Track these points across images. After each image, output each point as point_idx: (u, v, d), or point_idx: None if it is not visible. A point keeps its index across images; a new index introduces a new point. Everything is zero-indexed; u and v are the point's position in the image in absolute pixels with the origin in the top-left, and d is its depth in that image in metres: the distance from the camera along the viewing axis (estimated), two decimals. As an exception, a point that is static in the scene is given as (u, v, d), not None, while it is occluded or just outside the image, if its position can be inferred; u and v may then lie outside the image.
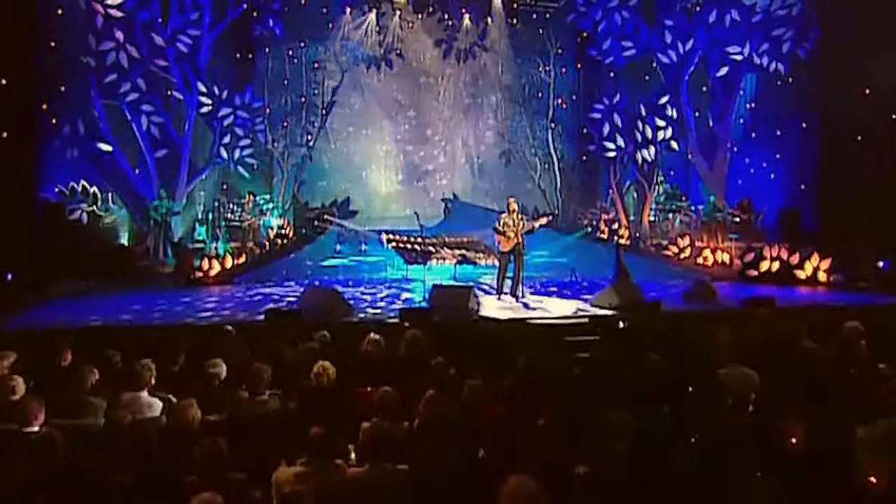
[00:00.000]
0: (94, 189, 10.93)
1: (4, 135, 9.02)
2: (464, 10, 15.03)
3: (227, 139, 12.42)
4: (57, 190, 10.51)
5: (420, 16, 15.06)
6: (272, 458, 3.25)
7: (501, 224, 8.64)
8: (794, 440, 3.28)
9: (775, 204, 12.20)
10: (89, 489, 2.88)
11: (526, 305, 8.44)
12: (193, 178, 12.36)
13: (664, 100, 13.04)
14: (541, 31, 15.10)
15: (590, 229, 14.01)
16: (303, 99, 14.53)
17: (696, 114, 13.14)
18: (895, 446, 2.75)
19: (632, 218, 14.11)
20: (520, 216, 8.74)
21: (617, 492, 2.87)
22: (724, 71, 12.58)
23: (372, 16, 14.70)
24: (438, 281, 9.28)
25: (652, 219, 13.83)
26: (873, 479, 3.00)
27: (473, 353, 4.93)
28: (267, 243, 12.39)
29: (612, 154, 13.72)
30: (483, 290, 9.23)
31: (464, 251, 10.67)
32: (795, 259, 10.28)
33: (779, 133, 12.34)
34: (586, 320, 7.45)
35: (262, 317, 7.27)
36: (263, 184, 13.83)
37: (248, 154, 12.67)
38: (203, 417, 3.60)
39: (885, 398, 3.86)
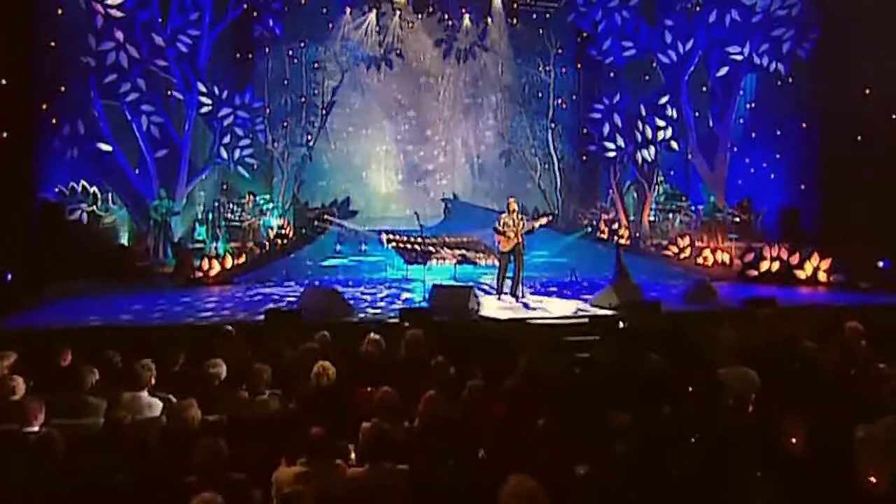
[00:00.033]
0: (93, 189, 10.92)
1: (4, 135, 9.00)
2: (464, 10, 15.03)
3: (227, 139, 12.41)
4: (57, 190, 10.49)
5: (420, 16, 15.07)
6: (272, 458, 3.25)
7: (501, 224, 8.64)
8: (794, 440, 3.27)
9: (775, 204, 12.19)
10: (89, 489, 2.87)
11: (526, 305, 8.43)
12: (193, 178, 12.35)
13: (664, 100, 13.03)
14: (541, 31, 15.11)
15: (590, 229, 14.01)
16: (303, 99, 14.53)
17: (696, 114, 13.13)
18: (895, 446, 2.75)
19: (632, 218, 14.10)
20: (520, 216, 8.74)
21: (618, 492, 2.86)
22: (724, 71, 12.57)
23: (372, 16, 14.70)
24: (438, 281, 9.28)
25: (652, 219, 13.82)
26: (873, 479, 3.00)
27: (474, 353, 4.93)
28: (267, 243, 12.38)
29: (612, 154, 13.72)
30: (483, 290, 9.22)
31: (464, 251, 10.66)
32: (795, 259, 10.27)
33: (779, 133, 12.33)
34: (586, 320, 7.44)
35: (262, 317, 7.27)
36: (263, 184, 13.83)
37: (248, 154, 12.66)
38: (203, 417, 3.60)
39: (886, 398, 3.86)
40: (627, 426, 3.22)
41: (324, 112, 14.64)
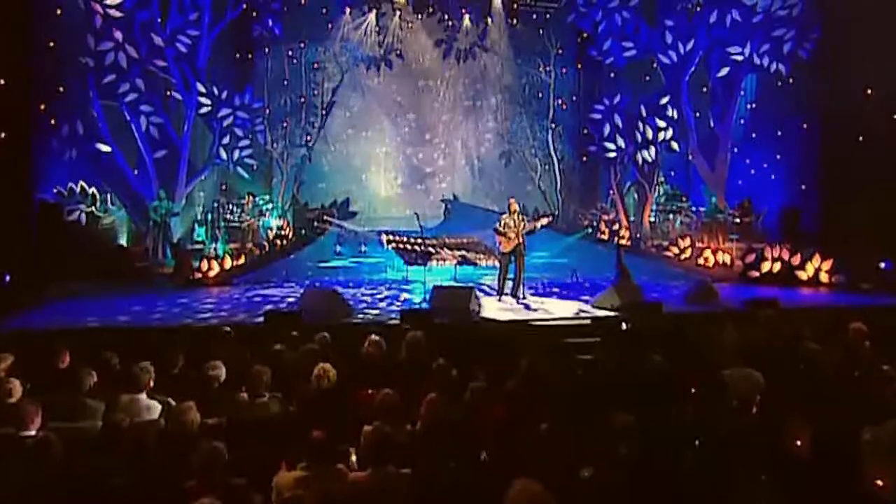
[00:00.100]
0: (92, 190, 10.88)
1: (3, 135, 8.98)
2: (464, 11, 15.02)
3: (226, 140, 12.37)
4: (55, 190, 10.46)
5: (420, 16, 15.05)
6: (272, 461, 3.22)
7: (502, 225, 8.61)
8: (799, 442, 3.24)
9: (776, 204, 12.17)
10: (87, 493, 2.84)
11: (527, 306, 8.41)
12: (193, 178, 12.32)
13: (665, 100, 13.01)
14: (541, 32, 15.10)
15: (590, 230, 13.99)
16: (302, 99, 14.51)
17: (697, 114, 13.10)
18: (903, 449, 2.72)
19: (632, 219, 14.08)
20: (521, 217, 8.71)
21: (623, 495, 2.84)
22: (724, 71, 12.55)
23: (372, 16, 14.68)
24: (439, 282, 9.25)
25: (652, 220, 13.80)
26: (880, 483, 2.97)
27: (475, 355, 4.90)
28: (266, 244, 12.36)
29: (612, 155, 13.69)
30: (483, 291, 9.19)
31: (464, 252, 10.63)
32: (797, 260, 10.25)
33: (779, 133, 12.31)
34: (588, 321, 7.41)
35: (261, 318, 7.23)
36: (263, 184, 13.81)
37: (247, 155, 12.62)
38: (202, 420, 3.57)
39: (890, 400, 3.84)
40: (630, 428, 3.19)
41: (323, 113, 14.62)
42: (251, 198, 12.84)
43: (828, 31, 11.35)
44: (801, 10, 11.77)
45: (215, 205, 12.80)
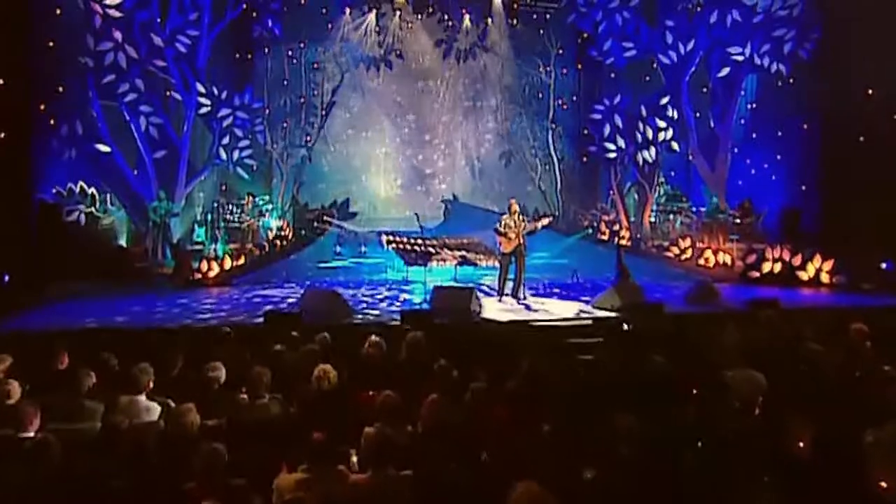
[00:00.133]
0: (92, 190, 10.86)
1: (2, 135, 8.96)
2: (464, 11, 15.01)
3: (226, 140, 12.35)
4: (55, 191, 10.44)
5: (420, 16, 15.04)
6: (273, 463, 3.20)
7: (503, 225, 8.60)
8: (801, 444, 3.23)
9: (776, 205, 12.16)
10: (86, 495, 2.82)
11: (527, 307, 8.39)
12: (192, 179, 12.30)
13: (665, 100, 13.00)
14: (541, 32, 15.08)
15: (590, 230, 13.97)
16: (302, 100, 14.49)
17: (697, 115, 13.09)
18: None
19: (632, 219, 14.06)
20: (521, 217, 8.70)
21: (625, 496, 2.82)
22: (725, 71, 12.54)
23: (371, 16, 14.66)
24: (439, 282, 9.23)
25: (653, 220, 13.79)
26: (884, 485, 2.95)
27: (476, 355, 4.89)
28: (266, 245, 12.34)
29: (612, 155, 13.68)
30: (483, 292, 9.17)
31: (464, 252, 10.61)
32: (798, 260, 10.24)
33: (780, 134, 12.29)
34: (589, 322, 7.40)
35: (261, 319, 7.21)
36: (263, 185, 13.79)
37: (247, 155, 12.60)
38: (202, 422, 3.55)
39: (892, 400, 3.82)
40: (632, 429, 3.18)
41: (323, 113, 14.60)
42: (251, 198, 12.82)
43: (828, 31, 11.34)
44: (802, 11, 11.75)
45: (215, 205, 12.78)
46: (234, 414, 3.86)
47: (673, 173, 14.05)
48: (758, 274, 10.41)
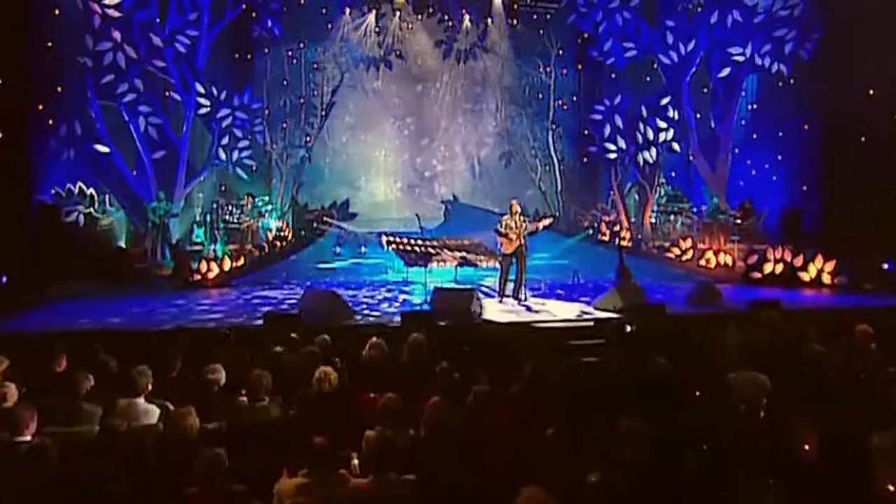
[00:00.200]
0: (90, 191, 10.83)
1: (0, 136, 8.92)
2: (464, 11, 14.97)
3: (225, 140, 12.31)
4: (53, 191, 10.40)
5: (420, 16, 15.00)
6: (273, 467, 3.16)
7: (504, 226, 8.57)
8: (807, 446, 3.20)
9: (777, 205, 12.14)
10: (84, 499, 2.79)
11: (528, 308, 8.36)
12: (192, 179, 12.26)
13: (665, 101, 12.96)
14: (541, 32, 15.05)
15: (591, 231, 13.94)
16: (302, 100, 14.45)
17: (698, 115, 13.07)
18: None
19: (633, 220, 14.04)
20: (522, 218, 8.67)
21: (630, 499, 2.79)
22: (725, 72, 12.51)
23: (371, 16, 14.63)
24: (440, 283, 9.20)
25: (653, 221, 13.76)
26: (891, 488, 2.93)
27: (477, 357, 4.86)
28: (266, 245, 12.30)
29: (613, 155, 13.65)
30: (484, 293, 9.14)
31: (465, 253, 10.59)
32: (799, 261, 10.21)
33: (780, 134, 12.27)
34: (591, 323, 7.37)
35: (261, 320, 7.18)
36: (262, 185, 13.74)
37: (246, 155, 12.56)
38: (201, 425, 3.52)
39: (899, 402, 3.79)
40: (637, 432, 3.15)
41: (323, 113, 14.56)
42: (250, 199, 12.78)
43: (829, 31, 11.32)
44: (803, 11, 11.74)
45: (214, 206, 12.74)
46: (233, 417, 3.83)
47: (673, 174, 14.02)
48: (759, 275, 10.38)
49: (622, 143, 13.47)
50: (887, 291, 8.96)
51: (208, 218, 12.56)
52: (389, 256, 11.27)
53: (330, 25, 14.43)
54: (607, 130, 13.55)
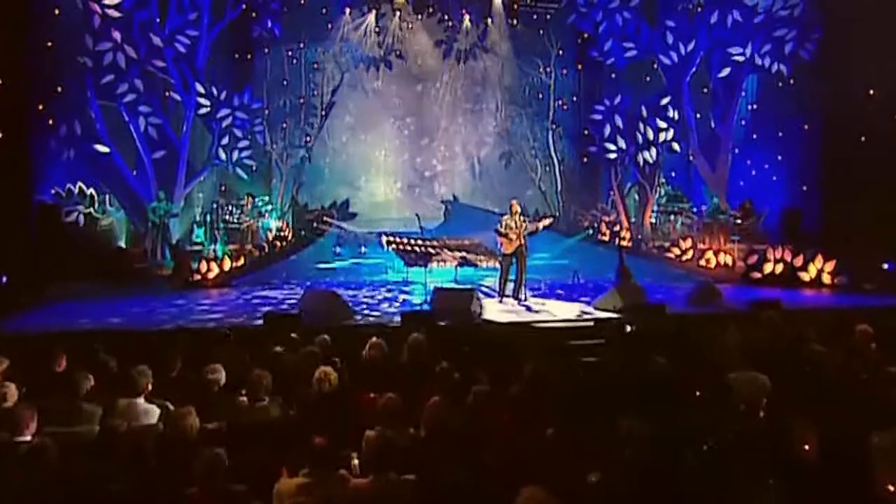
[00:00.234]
0: (90, 191, 10.83)
1: (0, 135, 8.92)
2: (464, 11, 14.97)
3: (225, 140, 12.31)
4: (53, 191, 10.40)
5: (420, 16, 15.00)
6: (273, 467, 3.16)
7: (504, 226, 8.57)
8: (807, 446, 3.20)
9: (777, 205, 12.14)
10: (84, 500, 2.79)
11: (528, 308, 8.36)
12: (192, 179, 12.26)
13: (665, 101, 12.97)
14: (541, 33, 15.04)
15: (591, 231, 13.94)
16: (302, 100, 14.45)
17: (698, 115, 13.07)
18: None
19: (633, 220, 14.04)
20: (522, 218, 8.68)
21: (630, 500, 2.79)
22: (725, 72, 12.51)
23: (371, 16, 14.63)
24: (440, 283, 9.20)
25: (653, 221, 13.76)
26: (892, 488, 2.92)
27: (477, 357, 4.86)
28: (266, 245, 12.30)
29: (613, 155, 13.65)
30: (484, 293, 9.14)
31: (465, 253, 10.59)
32: (799, 261, 10.21)
33: (780, 134, 12.27)
34: (591, 323, 7.37)
35: (261, 320, 7.18)
36: (262, 185, 13.74)
37: (246, 155, 12.56)
38: (201, 425, 3.52)
39: (899, 402, 3.79)
40: (637, 431, 3.15)
41: (323, 113, 14.56)
42: (250, 199, 12.78)
43: (829, 31, 11.32)
44: (803, 11, 11.73)
45: (214, 206, 12.74)
46: (233, 417, 3.83)
47: (673, 174, 14.02)
48: (759, 275, 10.37)
49: (622, 143, 13.47)
50: (887, 291, 8.96)
51: (208, 218, 12.56)
52: (389, 256, 11.27)
53: (330, 25, 14.43)
54: (607, 130, 13.55)
